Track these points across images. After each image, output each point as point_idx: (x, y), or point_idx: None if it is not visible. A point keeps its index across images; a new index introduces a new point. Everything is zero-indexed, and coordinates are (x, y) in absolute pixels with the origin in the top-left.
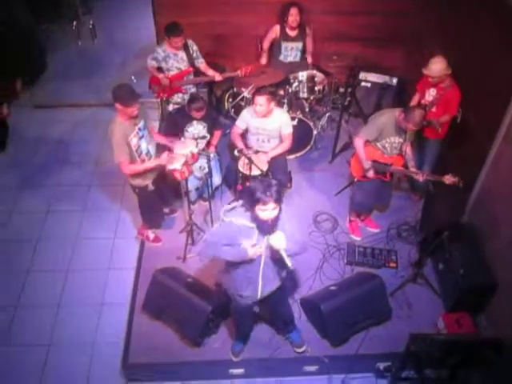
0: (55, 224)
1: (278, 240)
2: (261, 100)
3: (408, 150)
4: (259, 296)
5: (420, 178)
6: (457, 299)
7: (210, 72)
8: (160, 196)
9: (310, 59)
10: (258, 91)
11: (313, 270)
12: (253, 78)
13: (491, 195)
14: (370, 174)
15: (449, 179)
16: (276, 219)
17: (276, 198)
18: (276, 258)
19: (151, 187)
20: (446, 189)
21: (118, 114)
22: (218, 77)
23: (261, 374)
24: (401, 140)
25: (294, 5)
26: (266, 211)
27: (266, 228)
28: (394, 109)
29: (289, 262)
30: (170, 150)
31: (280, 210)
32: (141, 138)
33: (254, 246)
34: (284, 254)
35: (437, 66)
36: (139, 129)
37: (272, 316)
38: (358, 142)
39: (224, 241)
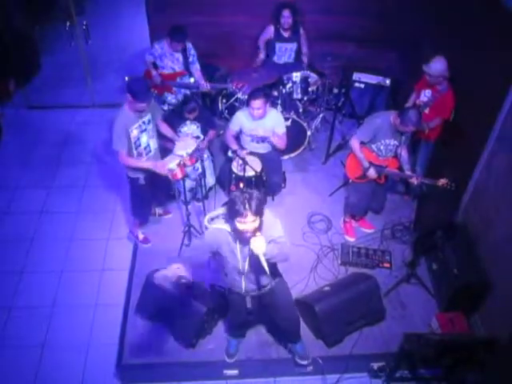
0: (49, 225)
1: (258, 244)
2: (257, 104)
3: (403, 152)
4: (243, 291)
5: (415, 181)
6: (451, 299)
7: (202, 81)
8: (152, 193)
9: (305, 60)
10: (253, 95)
11: (307, 270)
12: (247, 79)
13: (484, 195)
14: (371, 172)
15: (442, 182)
16: (255, 230)
17: (255, 212)
18: (258, 264)
19: (142, 181)
20: (440, 189)
21: (126, 103)
22: (205, 87)
23: (255, 375)
24: (396, 143)
25: (287, 6)
26: (245, 224)
27: (245, 239)
28: (389, 111)
29: (266, 268)
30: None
31: (261, 221)
32: (143, 131)
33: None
34: (262, 259)
35: (437, 65)
36: (143, 122)
37: (271, 325)
38: (354, 144)
39: (206, 249)
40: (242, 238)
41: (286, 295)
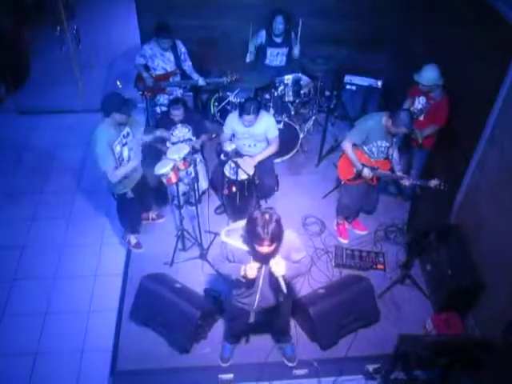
0: (41, 231)
1: (278, 267)
2: (249, 118)
3: (394, 153)
4: (255, 307)
5: (406, 182)
6: (445, 300)
7: (195, 76)
8: (139, 202)
9: (296, 51)
10: (244, 110)
11: None
12: (239, 82)
13: (477, 196)
14: (366, 172)
15: (434, 183)
16: (272, 254)
17: (272, 237)
18: (273, 281)
19: (130, 195)
20: (433, 190)
21: (103, 122)
22: (201, 81)
23: (250, 379)
24: (387, 144)
25: (280, 13)
26: (263, 247)
27: (261, 259)
28: (380, 113)
29: (284, 288)
30: None
31: (279, 244)
32: (124, 145)
33: (250, 268)
34: (281, 280)
35: (428, 75)
36: (123, 136)
37: (268, 324)
38: (346, 146)
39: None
40: (259, 258)
41: (287, 303)
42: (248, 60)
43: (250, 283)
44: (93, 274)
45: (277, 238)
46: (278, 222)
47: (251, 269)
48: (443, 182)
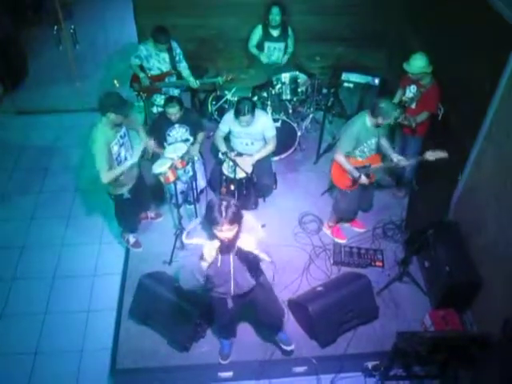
0: (40, 231)
1: (247, 243)
2: (244, 119)
3: (383, 141)
4: (232, 293)
5: (402, 163)
6: (443, 296)
7: (190, 78)
8: (137, 202)
9: (290, 45)
10: (239, 111)
11: (299, 271)
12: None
13: (475, 193)
14: (363, 179)
15: (431, 155)
16: (234, 239)
17: (231, 220)
18: (245, 263)
19: (127, 195)
20: (431, 187)
21: (101, 121)
22: (195, 83)
23: (250, 377)
24: (376, 139)
25: (276, 4)
26: (222, 232)
27: (225, 247)
28: (360, 114)
29: (267, 258)
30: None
31: (239, 230)
32: (121, 145)
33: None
34: (258, 253)
35: (417, 63)
36: (120, 136)
37: (257, 320)
38: (340, 158)
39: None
40: (224, 247)
41: (265, 291)
42: (263, 59)
43: (217, 274)
44: (92, 273)
45: (236, 220)
46: (237, 206)
47: (209, 249)
48: (443, 152)
